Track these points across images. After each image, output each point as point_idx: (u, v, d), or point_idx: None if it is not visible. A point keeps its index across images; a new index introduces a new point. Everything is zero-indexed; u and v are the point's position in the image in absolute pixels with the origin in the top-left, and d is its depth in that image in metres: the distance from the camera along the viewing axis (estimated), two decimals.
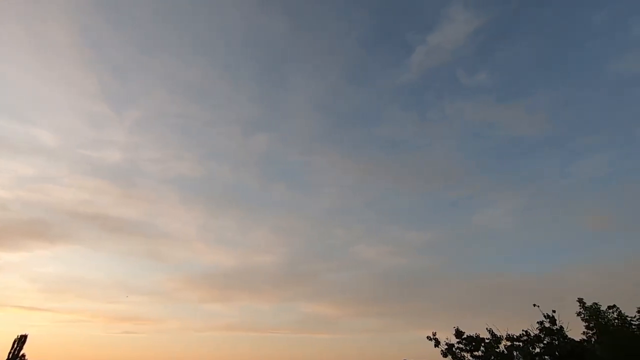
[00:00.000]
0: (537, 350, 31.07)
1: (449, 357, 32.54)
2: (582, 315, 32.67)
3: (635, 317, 30.34)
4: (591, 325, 31.77)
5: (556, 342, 30.69)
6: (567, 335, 30.81)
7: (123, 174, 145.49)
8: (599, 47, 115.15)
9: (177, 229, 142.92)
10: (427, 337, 33.90)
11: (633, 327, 29.67)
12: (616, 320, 30.64)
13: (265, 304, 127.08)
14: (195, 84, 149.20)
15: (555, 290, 75.91)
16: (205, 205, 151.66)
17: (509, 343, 31.86)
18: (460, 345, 32.80)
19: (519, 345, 31.41)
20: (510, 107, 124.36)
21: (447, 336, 33.64)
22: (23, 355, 28.80)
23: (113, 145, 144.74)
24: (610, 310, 31.42)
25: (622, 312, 31.10)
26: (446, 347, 32.83)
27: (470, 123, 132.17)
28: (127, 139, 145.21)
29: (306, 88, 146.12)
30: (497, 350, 31.63)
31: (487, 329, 32.92)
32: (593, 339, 31.61)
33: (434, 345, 33.51)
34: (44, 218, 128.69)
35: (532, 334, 31.60)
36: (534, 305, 32.83)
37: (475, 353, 32.37)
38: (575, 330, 33.07)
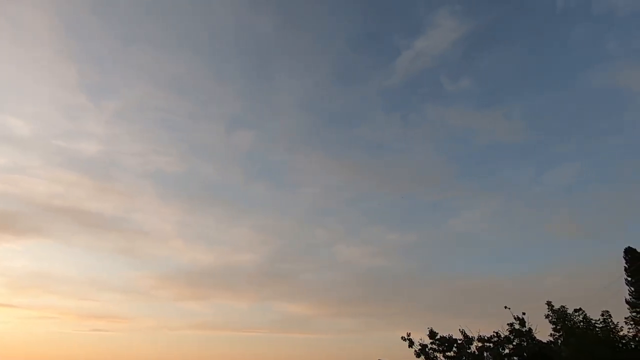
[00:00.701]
0: (507, 351, 31.98)
1: (422, 357, 33.03)
2: (550, 318, 33.84)
3: (599, 320, 31.70)
4: (558, 327, 32.95)
5: (525, 344, 31.64)
6: (535, 337, 31.81)
7: (99, 167, 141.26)
8: (574, 60, 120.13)
9: (154, 225, 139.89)
10: (402, 338, 34.34)
11: (597, 330, 30.94)
12: (581, 323, 31.87)
13: (243, 303, 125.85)
14: (178, 78, 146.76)
15: (526, 293, 78.71)
16: (185, 201, 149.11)
17: (480, 344, 32.64)
18: (434, 346, 33.34)
19: (490, 346, 32.23)
20: (489, 114, 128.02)
21: (422, 337, 34.20)
22: None
23: (90, 137, 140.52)
24: (576, 314, 32.65)
25: (587, 315, 32.42)
26: (420, 347, 33.32)
27: (451, 128, 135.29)
28: (105, 131, 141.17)
29: (292, 87, 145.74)
30: (469, 350, 32.35)
31: (459, 330, 33.65)
32: (559, 341, 32.81)
33: (408, 346, 33.93)
34: (13, 210, 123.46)
35: (502, 336, 32.45)
36: (505, 307, 33.75)
37: (448, 353, 32.99)
38: (544, 332, 34.28)
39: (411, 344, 33.74)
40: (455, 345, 32.92)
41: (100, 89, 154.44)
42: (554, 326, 33.07)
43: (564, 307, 33.52)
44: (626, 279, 36.53)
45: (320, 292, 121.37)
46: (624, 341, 30.64)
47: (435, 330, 33.90)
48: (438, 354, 33.02)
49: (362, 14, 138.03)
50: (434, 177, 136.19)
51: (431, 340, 33.60)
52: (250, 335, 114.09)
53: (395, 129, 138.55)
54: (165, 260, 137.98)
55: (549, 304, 34.27)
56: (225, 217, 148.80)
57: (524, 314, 32.96)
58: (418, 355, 33.19)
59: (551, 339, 33.08)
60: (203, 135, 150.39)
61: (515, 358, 31.66)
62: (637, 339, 31.66)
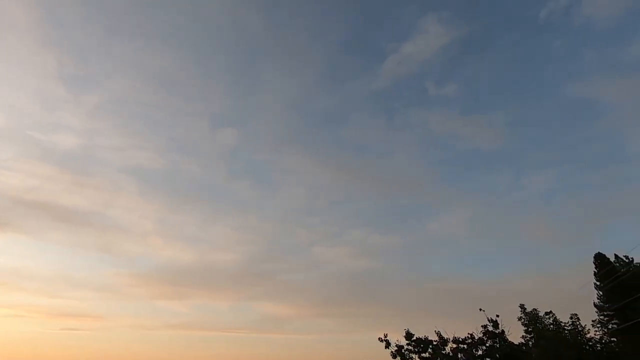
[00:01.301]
0: (480, 352, 32.68)
1: (398, 358, 33.41)
2: (522, 320, 34.95)
3: (568, 322, 32.89)
4: (530, 329, 34.03)
5: (497, 345, 32.41)
6: (507, 339, 32.64)
7: (77, 160, 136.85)
8: (555, 71, 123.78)
9: (132, 221, 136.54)
10: (379, 339, 34.67)
11: (566, 332, 32.08)
12: (552, 326, 33.02)
13: (221, 303, 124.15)
14: (163, 72, 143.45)
15: (501, 296, 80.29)
16: (165, 198, 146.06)
17: (455, 345, 33.25)
18: (410, 347, 33.78)
19: (464, 347, 32.87)
20: (471, 120, 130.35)
21: (399, 338, 34.59)
22: None
23: (68, 129, 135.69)
24: (547, 316, 33.83)
25: (557, 318, 33.61)
26: (396, 348, 33.70)
27: (434, 133, 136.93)
28: (84, 124, 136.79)
29: (279, 86, 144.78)
30: (444, 352, 32.90)
31: (435, 331, 34.22)
32: (530, 343, 33.85)
33: (384, 347, 34.28)
34: None
35: (476, 337, 33.15)
36: (480, 309, 34.57)
37: (423, 354, 33.49)
38: (517, 334, 35.27)
39: (388, 345, 34.10)
40: (430, 346, 33.44)
41: (81, 80, 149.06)
42: (526, 328, 34.10)
43: (535, 310, 34.67)
44: (595, 284, 37.82)
45: (301, 293, 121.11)
46: (590, 343, 31.83)
47: (411, 331, 34.43)
48: (414, 355, 33.49)
49: (351, 17, 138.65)
50: (416, 181, 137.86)
51: (407, 342, 34.05)
52: (229, 335, 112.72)
53: (380, 132, 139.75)
54: (143, 258, 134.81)
55: (521, 306, 35.38)
56: (206, 215, 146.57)
57: (497, 316, 33.78)
58: (394, 357, 33.56)
59: (523, 340, 34.08)
60: (186, 132, 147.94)
61: (487, 359, 32.35)
62: (603, 341, 32.93)
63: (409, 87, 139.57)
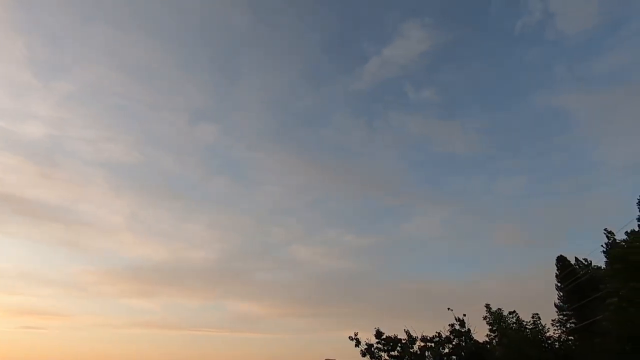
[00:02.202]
0: (447, 350, 33.67)
1: (368, 357, 33.95)
2: (488, 319, 36.17)
3: (530, 322, 34.34)
4: (494, 328, 35.28)
5: (463, 344, 33.49)
6: (472, 337, 33.77)
7: (44, 151, 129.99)
8: (527, 81, 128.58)
9: (102, 217, 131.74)
10: (349, 338, 35.12)
11: (527, 331, 33.48)
12: (514, 325, 34.37)
13: (193, 301, 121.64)
14: (140, 64, 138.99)
15: (470, 296, 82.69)
16: (138, 193, 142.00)
17: (422, 344, 34.11)
18: (379, 346, 34.41)
19: (431, 346, 33.77)
20: (447, 125, 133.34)
21: (370, 337, 35.20)
22: None
23: (35, 118, 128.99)
24: (510, 315, 35.17)
25: (520, 317, 35.00)
26: (366, 347, 34.24)
27: (411, 136, 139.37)
28: (53, 113, 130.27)
29: (260, 83, 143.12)
30: (412, 350, 33.68)
31: (404, 330, 35.00)
32: (495, 341, 35.09)
33: (355, 345, 34.76)
34: None
35: (443, 336, 34.15)
36: (448, 309, 35.62)
37: (392, 353, 34.21)
38: (482, 332, 36.53)
39: (358, 343, 34.60)
40: (399, 345, 34.17)
41: (51, 67, 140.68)
42: (490, 327, 35.33)
43: (500, 309, 35.97)
44: (556, 285, 39.58)
45: (275, 292, 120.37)
46: (549, 341, 33.33)
47: (381, 330, 35.12)
48: (383, 354, 34.13)
49: (335, 18, 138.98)
50: (393, 182, 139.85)
51: (377, 340, 34.68)
52: (200, 334, 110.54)
53: (359, 133, 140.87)
54: (112, 255, 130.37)
55: (487, 306, 36.61)
56: (180, 212, 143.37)
57: (464, 315, 34.99)
58: (364, 355, 34.12)
59: (487, 339, 35.31)
60: (163, 126, 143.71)
61: (453, 357, 33.39)
62: (561, 339, 34.55)
63: (389, 90, 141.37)
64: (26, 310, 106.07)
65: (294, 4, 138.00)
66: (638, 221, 31.64)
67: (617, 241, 31.16)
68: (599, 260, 35.10)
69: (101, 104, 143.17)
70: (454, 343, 33.66)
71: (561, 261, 40.43)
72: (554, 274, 40.55)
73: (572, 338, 34.65)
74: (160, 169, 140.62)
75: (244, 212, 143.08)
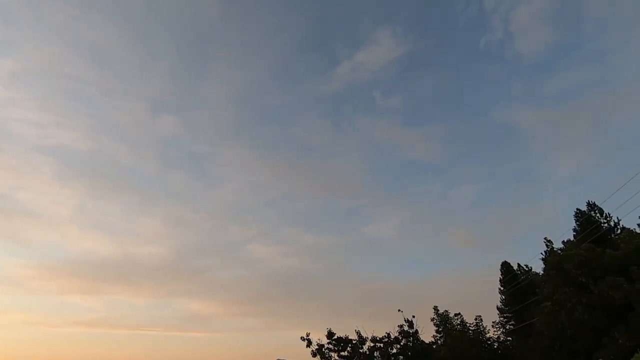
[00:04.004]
0: (395, 350, 34.55)
1: (318, 357, 34.08)
2: (435, 321, 37.63)
3: (473, 323, 36.13)
4: (440, 329, 36.76)
5: (411, 344, 34.52)
6: (419, 338, 34.89)
7: None
8: (487, 95, 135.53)
9: (45, 207, 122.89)
10: (301, 338, 35.09)
11: (470, 332, 35.17)
12: (459, 326, 35.98)
13: (140, 299, 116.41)
14: (99, 45, 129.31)
15: (422, 297, 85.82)
16: (87, 183, 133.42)
17: (372, 344, 34.76)
18: (330, 346, 34.64)
19: (380, 346, 34.51)
20: (412, 132, 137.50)
21: (322, 337, 35.37)
22: None
23: None
24: (456, 317, 36.81)
25: (464, 319, 36.72)
26: (317, 347, 34.36)
27: (376, 140, 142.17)
28: None
29: (228, 77, 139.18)
30: (361, 350, 34.23)
31: (355, 330, 35.50)
32: (440, 342, 36.56)
33: (306, 346, 34.76)
34: None
35: (392, 336, 35.01)
36: (399, 310, 36.57)
37: (342, 353, 34.57)
38: (429, 333, 37.98)
39: (309, 343, 34.64)
40: (349, 345, 34.58)
41: None
42: (437, 328, 36.74)
43: (447, 311, 37.53)
44: (499, 289, 41.86)
45: (229, 291, 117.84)
46: (489, 342, 35.19)
47: (333, 330, 35.47)
48: (333, 354, 34.40)
49: (309, 19, 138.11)
50: (355, 184, 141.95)
51: (328, 341, 34.90)
52: (145, 333, 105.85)
53: (325, 134, 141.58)
54: (53, 248, 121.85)
55: (435, 308, 38.06)
56: (133, 205, 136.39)
57: (413, 316, 36.05)
58: (314, 355, 34.23)
59: (433, 339, 36.66)
60: (119, 114, 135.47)
61: (401, 357, 34.31)
62: (500, 340, 36.63)
63: (358, 94, 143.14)
64: None
65: (270, 2, 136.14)
66: (574, 232, 34.33)
67: (555, 249, 33.52)
68: (539, 267, 37.62)
69: (51, 86, 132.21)
70: (402, 343, 34.60)
71: (505, 266, 42.83)
72: (499, 278, 42.99)
73: (510, 339, 36.81)
74: (113, 159, 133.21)
75: (201, 208, 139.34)
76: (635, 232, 28.56)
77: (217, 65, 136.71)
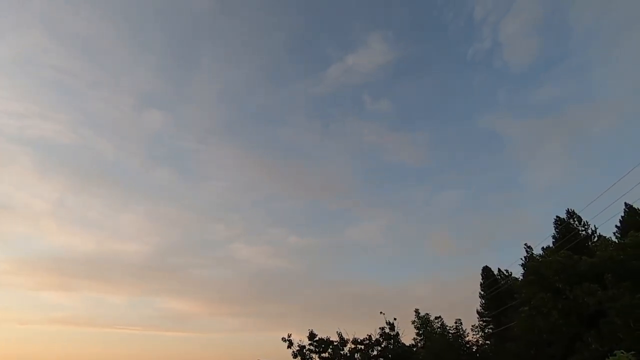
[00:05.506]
0: (375, 352, 34.69)
1: (299, 358, 33.98)
2: (416, 324, 37.96)
3: (452, 326, 36.53)
4: (420, 332, 37.10)
5: (391, 346, 34.71)
6: (400, 340, 35.12)
7: None
8: (473, 103, 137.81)
9: (22, 200, 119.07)
10: (282, 339, 34.96)
11: (450, 335, 35.56)
12: (439, 329, 36.36)
13: (118, 297, 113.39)
14: (85, 37, 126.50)
15: (403, 300, 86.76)
16: (69, 177, 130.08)
17: (353, 346, 34.83)
18: (311, 347, 34.58)
19: (361, 348, 34.60)
20: (399, 136, 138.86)
21: (303, 338, 35.25)
22: None
23: None
24: (436, 320, 37.21)
25: (445, 322, 37.13)
26: (298, 348, 34.24)
27: (364, 144, 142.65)
28: None
29: (217, 75, 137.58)
30: (342, 352, 34.26)
31: (337, 332, 35.55)
32: (420, 344, 36.89)
33: (287, 347, 34.64)
34: None
35: (373, 338, 35.14)
36: (381, 312, 36.77)
37: (323, 355, 34.58)
38: (410, 336, 38.24)
39: (290, 344, 34.51)
40: (330, 346, 34.58)
41: None
42: (418, 331, 37.08)
43: (427, 314, 37.93)
44: (480, 293, 42.53)
45: (211, 290, 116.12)
46: (468, 345, 35.67)
47: (315, 332, 35.41)
48: (314, 355, 34.36)
49: (301, 20, 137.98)
50: (341, 187, 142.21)
51: (310, 342, 34.82)
52: (125, 332, 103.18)
53: (313, 136, 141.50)
54: (29, 243, 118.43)
55: (416, 311, 38.41)
56: (115, 201, 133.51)
57: (395, 319, 36.26)
58: (295, 356, 34.16)
59: (414, 342, 36.96)
60: (105, 107, 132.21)
61: (381, 359, 34.42)
62: (479, 343, 37.18)
63: (347, 97, 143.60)
64: None
65: (262, 1, 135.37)
66: (553, 239, 35.12)
67: (534, 255, 34.24)
68: (519, 272, 38.34)
69: (34, 76, 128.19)
70: (382, 346, 34.77)
71: (486, 271, 43.55)
72: (480, 282, 43.67)
73: (489, 342, 37.39)
74: (96, 153, 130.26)
75: (186, 206, 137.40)
76: (611, 241, 29.41)
77: (207, 62, 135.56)
